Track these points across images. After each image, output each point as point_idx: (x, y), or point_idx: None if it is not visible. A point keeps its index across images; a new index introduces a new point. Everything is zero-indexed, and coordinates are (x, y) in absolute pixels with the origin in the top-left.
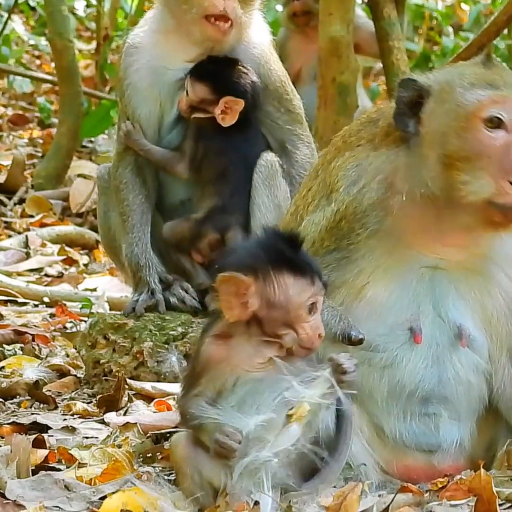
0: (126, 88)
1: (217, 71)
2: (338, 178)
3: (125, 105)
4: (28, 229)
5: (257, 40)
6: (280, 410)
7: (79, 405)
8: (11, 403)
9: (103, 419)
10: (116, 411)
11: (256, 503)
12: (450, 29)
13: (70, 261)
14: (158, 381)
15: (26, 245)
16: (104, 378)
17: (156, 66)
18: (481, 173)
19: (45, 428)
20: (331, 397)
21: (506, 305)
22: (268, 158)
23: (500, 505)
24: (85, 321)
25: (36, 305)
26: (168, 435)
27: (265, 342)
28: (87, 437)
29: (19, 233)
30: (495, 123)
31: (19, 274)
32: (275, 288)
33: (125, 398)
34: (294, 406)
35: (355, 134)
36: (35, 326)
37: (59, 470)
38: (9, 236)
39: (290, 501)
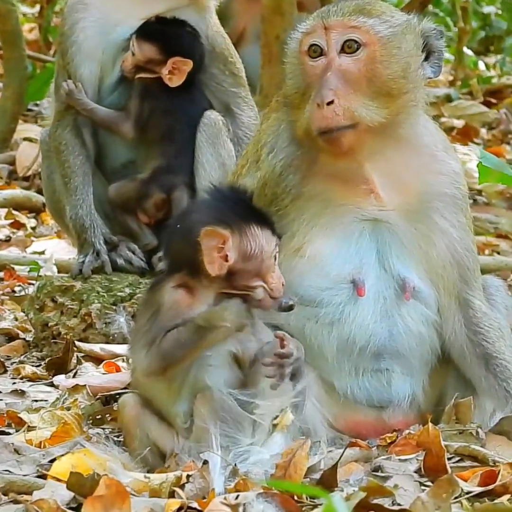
0: (71, 45)
1: (166, 31)
2: (262, 144)
3: (68, 62)
4: None
5: (204, 2)
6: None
7: (28, 368)
8: None
9: (52, 382)
10: (65, 373)
11: (205, 462)
12: None
13: (17, 225)
14: (106, 342)
15: None
16: (52, 341)
17: (104, 24)
18: (306, 105)
19: None
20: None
21: (449, 252)
22: (212, 117)
23: (448, 459)
24: (33, 285)
25: None
26: (117, 396)
27: (226, 296)
28: (36, 400)
29: None
30: (316, 52)
31: None
32: (249, 240)
33: (74, 361)
34: (278, 415)
35: (284, 94)
36: None
37: (8, 433)
38: None
39: (236, 463)
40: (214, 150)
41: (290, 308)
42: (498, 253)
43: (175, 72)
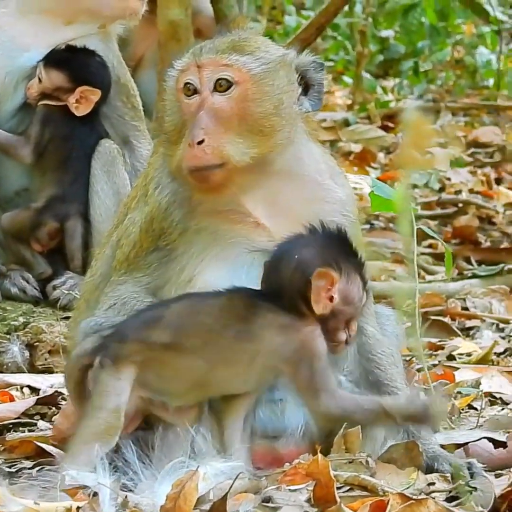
0: None
1: (75, 59)
2: (149, 178)
3: None
4: None
5: (112, 32)
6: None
7: None
8: None
9: None
10: None
11: (95, 494)
12: (293, 8)
13: None
14: (0, 372)
15: None
16: None
17: (11, 48)
18: (182, 142)
19: None
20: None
21: None
22: (106, 145)
23: (338, 488)
24: None
25: None
26: (10, 426)
27: None
28: None
29: None
30: (191, 90)
31: None
32: (353, 284)
33: None
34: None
35: (163, 131)
36: None
37: None
38: None
39: (126, 496)
40: (108, 179)
41: None
42: (394, 278)
43: (82, 101)
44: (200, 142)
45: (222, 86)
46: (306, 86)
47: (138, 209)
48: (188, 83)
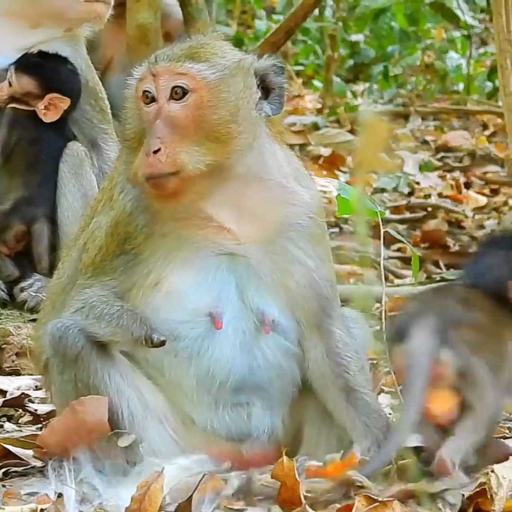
0: None
1: (46, 66)
2: (114, 182)
3: None
4: None
5: (78, 34)
6: None
7: None
8: None
9: None
10: None
11: (60, 495)
12: (263, 12)
13: None
14: None
15: None
16: None
17: None
18: (139, 151)
19: None
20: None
21: (307, 281)
22: (74, 148)
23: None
24: None
25: None
26: None
27: None
28: None
29: None
30: (148, 98)
31: None
32: None
33: None
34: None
35: (123, 138)
36: None
37: None
38: None
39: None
40: (76, 181)
41: (161, 343)
42: (362, 282)
43: (50, 108)
44: (156, 151)
45: (178, 94)
46: (267, 90)
47: (104, 213)
48: (146, 91)
